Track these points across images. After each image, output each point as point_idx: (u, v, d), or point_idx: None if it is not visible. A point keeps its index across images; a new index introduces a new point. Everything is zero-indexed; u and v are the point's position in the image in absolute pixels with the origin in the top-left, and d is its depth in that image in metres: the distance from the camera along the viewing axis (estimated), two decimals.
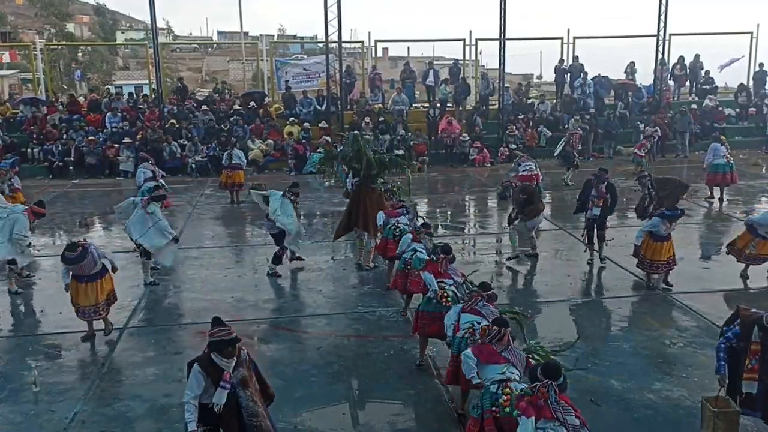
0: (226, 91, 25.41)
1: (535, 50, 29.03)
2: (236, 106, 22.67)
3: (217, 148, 19.89)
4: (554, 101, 24.09)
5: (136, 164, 17.09)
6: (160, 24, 44.08)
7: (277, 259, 10.69)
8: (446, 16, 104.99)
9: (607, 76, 24.03)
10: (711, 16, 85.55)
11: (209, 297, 9.76)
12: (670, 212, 9.52)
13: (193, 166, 20.13)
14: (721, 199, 15.16)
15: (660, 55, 22.90)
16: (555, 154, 18.52)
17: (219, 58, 53.58)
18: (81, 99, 25.03)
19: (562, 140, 18.32)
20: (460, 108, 23.04)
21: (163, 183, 13.59)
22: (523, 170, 14.59)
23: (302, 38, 52.13)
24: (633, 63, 24.48)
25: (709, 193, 15.31)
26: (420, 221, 10.36)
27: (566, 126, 22.03)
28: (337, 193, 17.00)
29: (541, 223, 11.69)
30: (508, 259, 11.15)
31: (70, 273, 8.17)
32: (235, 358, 4.99)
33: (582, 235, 11.15)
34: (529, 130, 21.94)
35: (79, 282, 8.14)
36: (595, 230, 10.75)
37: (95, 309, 8.20)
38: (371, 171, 10.71)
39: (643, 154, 18.65)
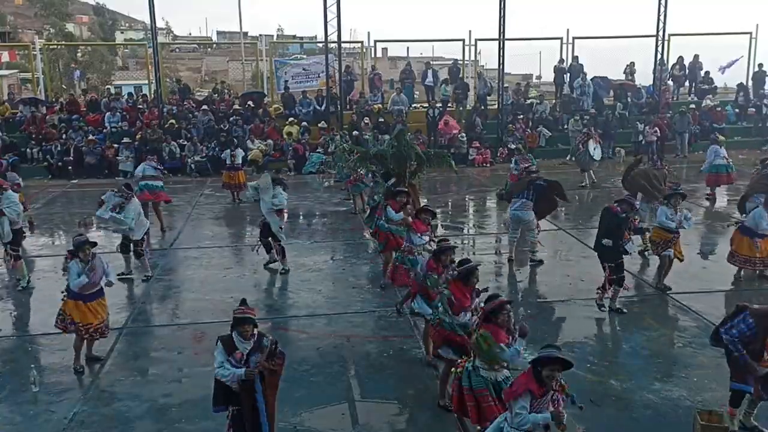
0: (226, 91, 25.40)
1: (535, 50, 29.08)
2: (236, 106, 22.67)
3: (217, 148, 19.90)
4: (553, 101, 24.11)
5: (135, 165, 17.05)
6: (160, 24, 44.01)
7: (281, 253, 10.80)
8: (446, 16, 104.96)
9: (606, 77, 24.05)
10: (710, 16, 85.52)
11: (209, 297, 9.76)
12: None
13: (193, 166, 20.13)
14: (714, 198, 15.46)
15: (659, 56, 22.91)
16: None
17: (218, 59, 53.46)
18: (80, 98, 25.00)
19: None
20: (461, 108, 23.06)
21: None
22: (518, 171, 14.68)
23: (301, 38, 52.04)
24: (632, 63, 24.52)
25: (711, 192, 15.50)
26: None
27: (565, 126, 22.07)
28: (336, 193, 17.02)
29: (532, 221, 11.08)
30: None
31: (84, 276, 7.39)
32: (251, 341, 5.26)
33: (599, 288, 9.01)
34: (529, 130, 21.95)
35: (78, 300, 7.49)
36: (608, 270, 8.85)
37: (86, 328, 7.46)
38: (414, 167, 10.93)
39: None
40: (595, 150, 17.23)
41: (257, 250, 10.95)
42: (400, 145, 11.82)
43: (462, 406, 5.70)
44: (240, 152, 16.64)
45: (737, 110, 23.67)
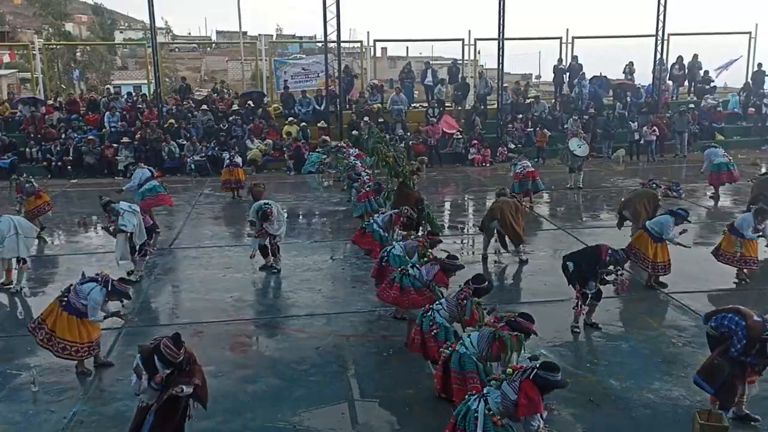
0: (225, 90, 25.40)
1: (534, 50, 29.13)
2: (235, 106, 22.66)
3: (216, 148, 19.86)
4: (552, 101, 24.11)
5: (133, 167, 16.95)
6: (159, 24, 43.86)
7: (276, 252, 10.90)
8: (445, 16, 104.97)
9: (605, 76, 24.07)
10: (709, 16, 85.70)
11: (208, 297, 9.76)
12: (683, 211, 9.67)
13: (192, 165, 20.11)
14: (718, 196, 15.47)
15: (658, 55, 22.93)
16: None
17: (218, 58, 53.38)
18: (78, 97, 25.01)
19: None
20: (459, 108, 23.05)
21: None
22: (518, 169, 14.82)
23: (301, 38, 52.04)
24: (632, 63, 24.53)
25: (715, 192, 15.58)
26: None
27: (565, 126, 22.08)
28: (336, 193, 17.01)
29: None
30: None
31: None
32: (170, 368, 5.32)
33: (574, 306, 8.44)
34: (537, 129, 21.93)
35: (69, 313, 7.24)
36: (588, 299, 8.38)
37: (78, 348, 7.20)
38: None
39: None
40: (579, 147, 16.76)
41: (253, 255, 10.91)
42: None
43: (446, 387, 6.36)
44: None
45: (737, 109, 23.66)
